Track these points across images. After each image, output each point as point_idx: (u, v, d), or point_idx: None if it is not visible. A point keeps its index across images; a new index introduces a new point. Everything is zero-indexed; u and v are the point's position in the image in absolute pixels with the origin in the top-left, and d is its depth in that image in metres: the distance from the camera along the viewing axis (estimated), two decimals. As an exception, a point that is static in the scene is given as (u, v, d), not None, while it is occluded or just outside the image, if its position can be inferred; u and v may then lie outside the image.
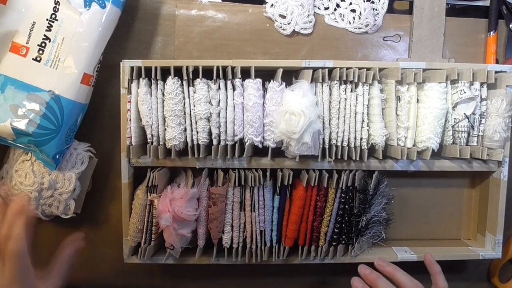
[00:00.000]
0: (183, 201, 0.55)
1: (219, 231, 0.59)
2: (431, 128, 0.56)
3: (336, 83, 0.56)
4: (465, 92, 0.56)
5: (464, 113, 0.57)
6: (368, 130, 0.57)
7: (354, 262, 0.63)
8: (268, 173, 0.59)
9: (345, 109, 0.56)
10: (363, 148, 0.57)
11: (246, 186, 0.59)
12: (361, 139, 0.57)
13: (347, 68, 0.56)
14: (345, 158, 0.57)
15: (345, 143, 0.57)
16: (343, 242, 0.61)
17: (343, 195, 0.59)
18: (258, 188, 0.59)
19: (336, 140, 0.57)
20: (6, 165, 0.59)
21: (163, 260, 0.60)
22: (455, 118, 0.58)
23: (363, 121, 0.57)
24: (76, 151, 0.59)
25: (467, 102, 0.57)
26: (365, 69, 0.56)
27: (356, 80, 0.56)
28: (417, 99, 0.57)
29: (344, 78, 0.56)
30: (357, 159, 0.57)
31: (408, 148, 0.57)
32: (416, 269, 0.72)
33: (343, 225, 0.60)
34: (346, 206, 0.59)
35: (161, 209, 0.54)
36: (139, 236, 0.58)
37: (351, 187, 0.59)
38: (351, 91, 0.56)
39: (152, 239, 0.58)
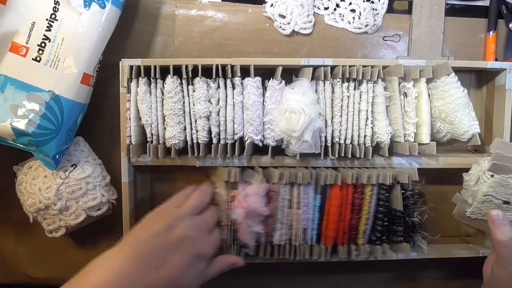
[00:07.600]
0: (258, 197, 0.55)
1: (273, 228, 0.59)
2: (466, 117, 0.55)
3: (339, 81, 0.56)
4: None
5: None
6: (372, 128, 0.57)
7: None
8: (313, 172, 0.58)
9: (347, 107, 0.56)
10: (367, 145, 0.57)
11: (294, 184, 0.58)
12: (364, 136, 0.57)
13: (350, 66, 0.56)
14: (349, 156, 0.57)
15: (348, 141, 0.57)
16: (383, 240, 0.60)
17: (381, 191, 0.58)
18: (304, 186, 0.58)
19: (339, 138, 0.57)
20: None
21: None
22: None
23: (367, 118, 0.56)
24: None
25: None
26: (370, 67, 0.56)
27: (360, 78, 0.55)
28: (430, 97, 0.57)
29: (347, 76, 0.55)
30: (361, 156, 0.57)
31: (424, 144, 0.57)
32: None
33: (382, 223, 0.59)
34: (384, 204, 0.58)
35: (236, 205, 0.55)
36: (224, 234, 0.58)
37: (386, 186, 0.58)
38: (354, 88, 0.56)
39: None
